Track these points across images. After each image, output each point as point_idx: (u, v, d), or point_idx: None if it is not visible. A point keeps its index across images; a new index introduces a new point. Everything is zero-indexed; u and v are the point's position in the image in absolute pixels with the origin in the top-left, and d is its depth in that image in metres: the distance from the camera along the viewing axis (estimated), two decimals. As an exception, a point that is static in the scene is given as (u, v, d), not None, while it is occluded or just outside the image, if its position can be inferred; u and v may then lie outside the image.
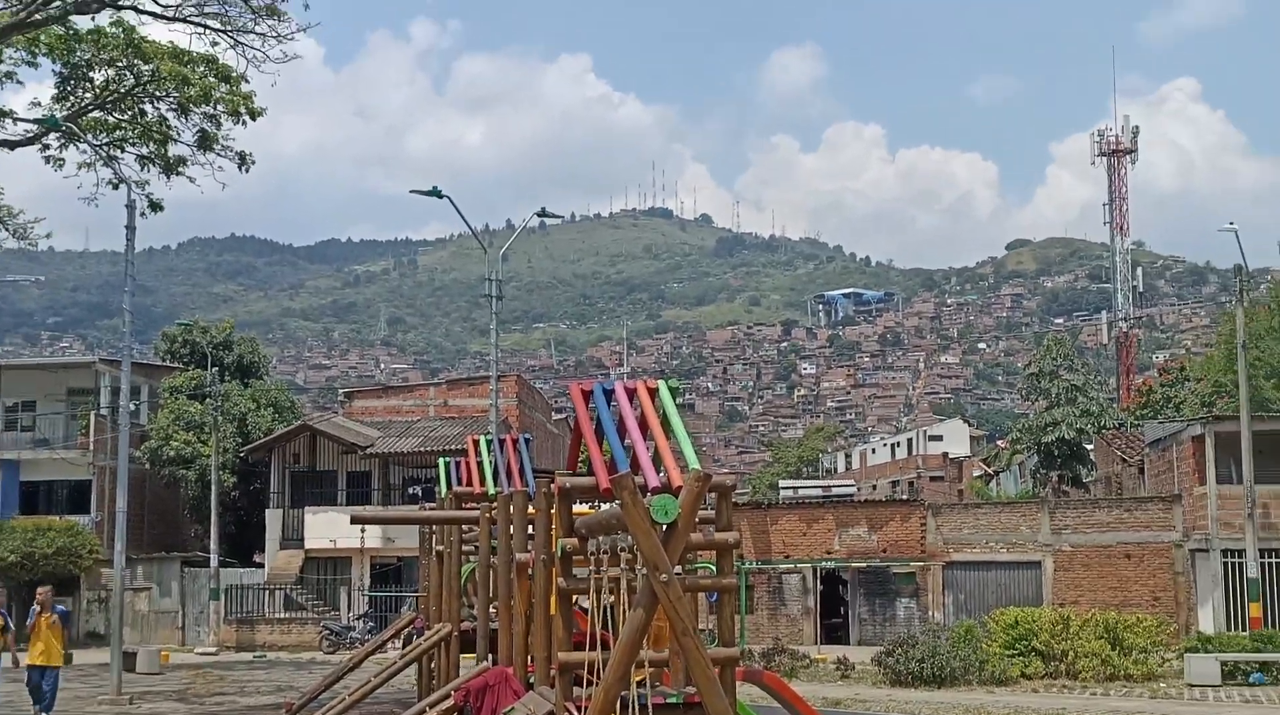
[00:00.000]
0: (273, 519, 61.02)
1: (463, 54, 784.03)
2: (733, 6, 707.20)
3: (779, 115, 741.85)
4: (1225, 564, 44.58)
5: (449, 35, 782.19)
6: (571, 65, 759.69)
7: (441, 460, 27.03)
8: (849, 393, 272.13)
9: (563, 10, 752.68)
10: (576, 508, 13.56)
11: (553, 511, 13.29)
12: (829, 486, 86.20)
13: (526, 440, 21.82)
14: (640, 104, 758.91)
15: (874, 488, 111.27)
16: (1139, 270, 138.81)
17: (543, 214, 47.95)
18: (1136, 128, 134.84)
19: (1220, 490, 44.32)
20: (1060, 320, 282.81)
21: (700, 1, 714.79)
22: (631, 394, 12.82)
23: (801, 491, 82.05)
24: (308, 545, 59.63)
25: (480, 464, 23.42)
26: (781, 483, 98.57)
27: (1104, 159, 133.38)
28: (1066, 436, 68.05)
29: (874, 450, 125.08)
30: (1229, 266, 47.59)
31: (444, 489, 26.34)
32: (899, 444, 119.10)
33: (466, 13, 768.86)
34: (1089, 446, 69.64)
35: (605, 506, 13.68)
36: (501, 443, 22.46)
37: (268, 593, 58.81)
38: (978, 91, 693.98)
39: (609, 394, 12.99)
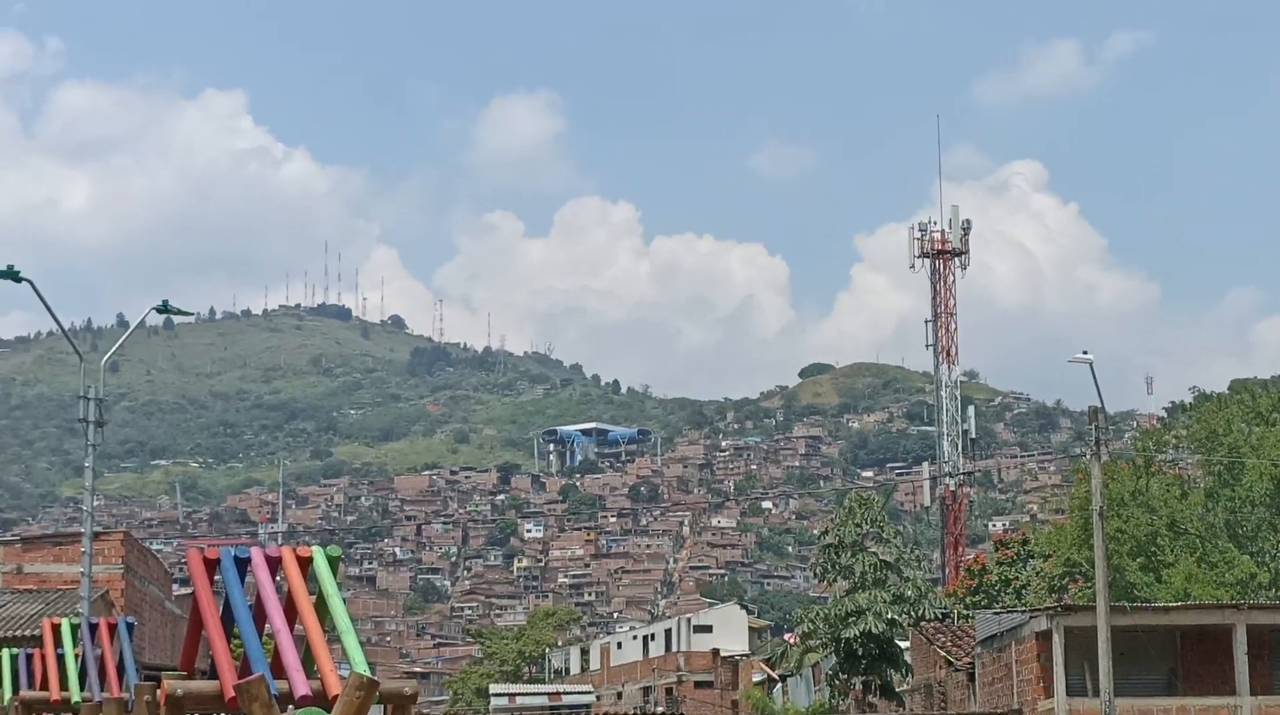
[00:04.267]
0: None
1: (65, 82, 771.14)
2: (442, 35, 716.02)
3: (498, 185, 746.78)
4: (1077, 803, 45.88)
5: (47, 57, 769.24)
6: (219, 104, 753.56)
7: (6, 652, 26.23)
8: (588, 565, 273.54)
9: (209, 30, 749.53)
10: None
11: (157, 729, 12.85)
12: (559, 694, 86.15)
13: (130, 625, 21.24)
14: (312, 162, 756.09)
15: (619, 696, 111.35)
16: (971, 410, 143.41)
17: (166, 309, 47.09)
18: (968, 222, 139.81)
19: (1072, 704, 45.73)
20: (869, 473, 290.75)
21: (396, 25, 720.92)
22: (275, 564, 12.59)
23: (521, 700, 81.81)
24: None
25: (61, 658, 22.79)
26: (493, 688, 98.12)
27: (926, 261, 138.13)
28: (874, 630, 69.35)
29: (620, 644, 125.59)
30: (1084, 408, 49.63)
31: (8, 693, 25.51)
32: (654, 636, 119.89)
33: (73, 28, 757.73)
34: (904, 643, 71.11)
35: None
36: (94, 629, 21.85)
37: None
38: (761, 163, 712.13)
39: (243, 564, 12.69)
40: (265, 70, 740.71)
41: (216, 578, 13.10)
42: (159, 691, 12.48)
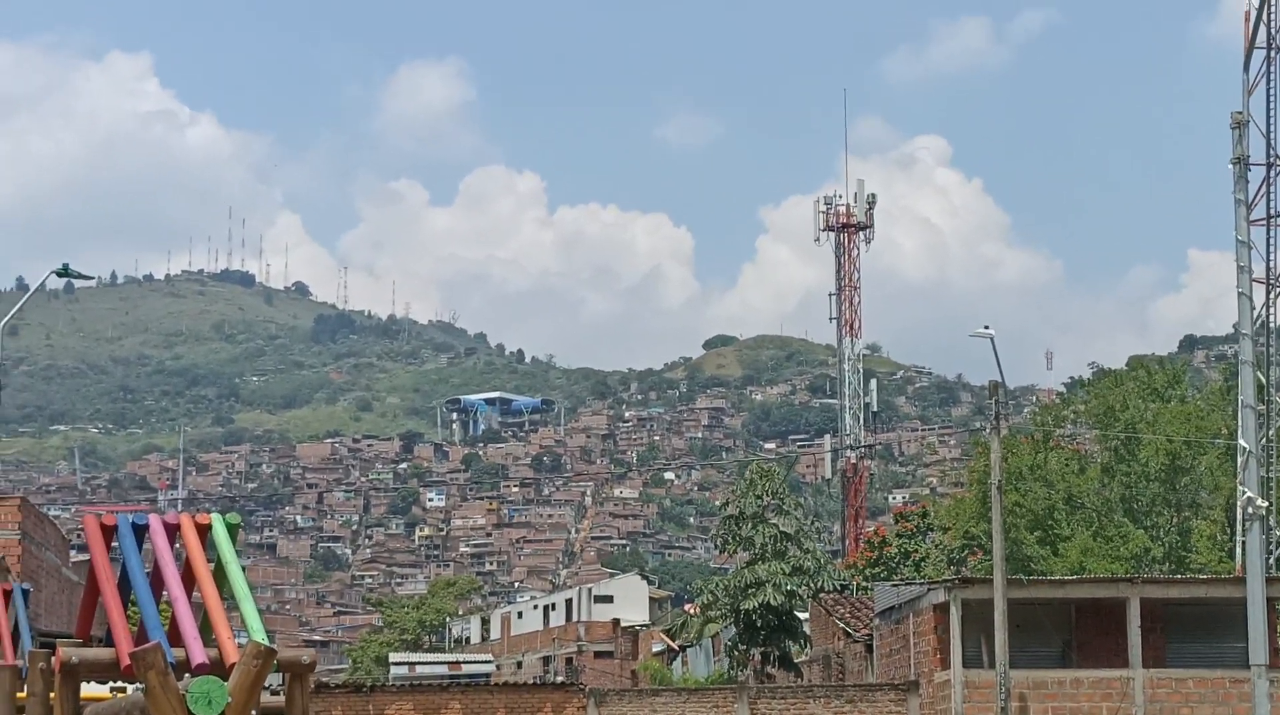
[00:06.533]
0: None
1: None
2: (351, 0, 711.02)
3: (404, 152, 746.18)
4: (971, 773, 46.26)
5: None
6: (125, 66, 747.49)
7: (-102, 618, 25.78)
8: (490, 534, 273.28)
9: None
10: (88, 690, 13.06)
11: (52, 696, 12.74)
12: (458, 663, 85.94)
13: (25, 592, 20.96)
14: (218, 127, 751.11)
15: (519, 665, 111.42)
16: (873, 383, 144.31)
17: (67, 273, 46.64)
18: (873, 196, 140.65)
19: (968, 676, 46.03)
20: (771, 445, 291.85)
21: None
22: (173, 531, 12.48)
23: (421, 669, 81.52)
24: None
25: (-46, 625, 22.46)
26: (393, 657, 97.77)
27: (831, 235, 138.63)
28: (773, 601, 69.63)
29: (521, 614, 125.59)
30: (984, 382, 50.24)
31: (-101, 660, 25.09)
32: (555, 606, 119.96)
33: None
34: (803, 615, 71.48)
35: (130, 690, 13.25)
36: (-12, 595, 21.51)
37: None
38: (669, 133, 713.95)
39: (140, 530, 12.58)
40: (172, 33, 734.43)
41: (114, 544, 12.97)
42: (53, 659, 12.37)
